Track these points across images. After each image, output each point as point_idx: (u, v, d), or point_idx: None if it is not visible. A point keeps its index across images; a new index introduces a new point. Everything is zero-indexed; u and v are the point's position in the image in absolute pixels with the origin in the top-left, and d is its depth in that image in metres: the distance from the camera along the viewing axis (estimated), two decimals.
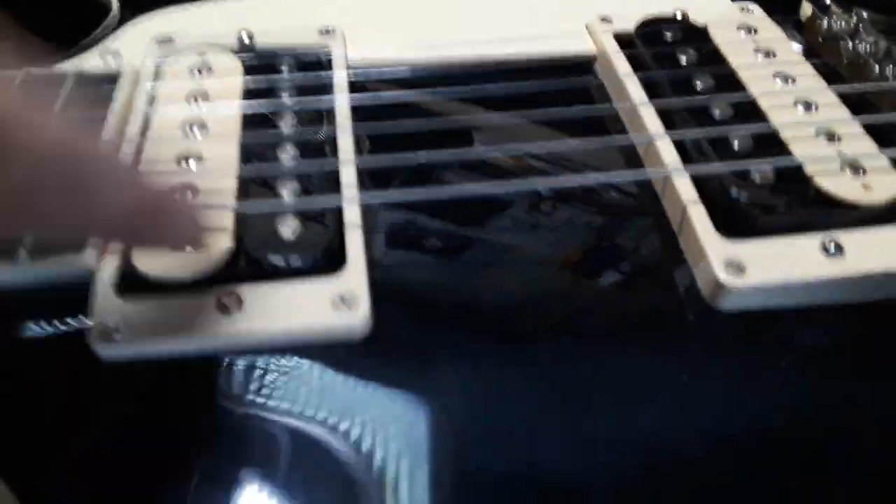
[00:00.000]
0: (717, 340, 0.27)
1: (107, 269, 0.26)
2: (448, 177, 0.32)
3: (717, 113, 0.32)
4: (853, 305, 0.28)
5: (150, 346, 0.25)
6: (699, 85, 0.33)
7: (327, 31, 0.37)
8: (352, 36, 0.37)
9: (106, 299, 0.25)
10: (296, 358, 0.25)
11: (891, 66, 0.34)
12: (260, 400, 0.24)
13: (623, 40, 0.37)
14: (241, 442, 0.24)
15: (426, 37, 0.37)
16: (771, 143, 0.31)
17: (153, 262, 0.26)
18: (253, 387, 0.25)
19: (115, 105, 0.32)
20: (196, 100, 0.32)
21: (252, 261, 0.26)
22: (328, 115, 0.32)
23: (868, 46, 0.36)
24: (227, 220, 0.27)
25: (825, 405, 0.26)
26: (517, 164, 0.32)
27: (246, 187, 0.29)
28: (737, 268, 0.27)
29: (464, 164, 0.32)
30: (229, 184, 0.28)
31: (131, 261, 0.26)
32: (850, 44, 0.36)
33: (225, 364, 0.25)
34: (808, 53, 0.37)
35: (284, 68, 0.34)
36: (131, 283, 0.26)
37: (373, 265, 0.27)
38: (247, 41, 0.36)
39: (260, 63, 0.35)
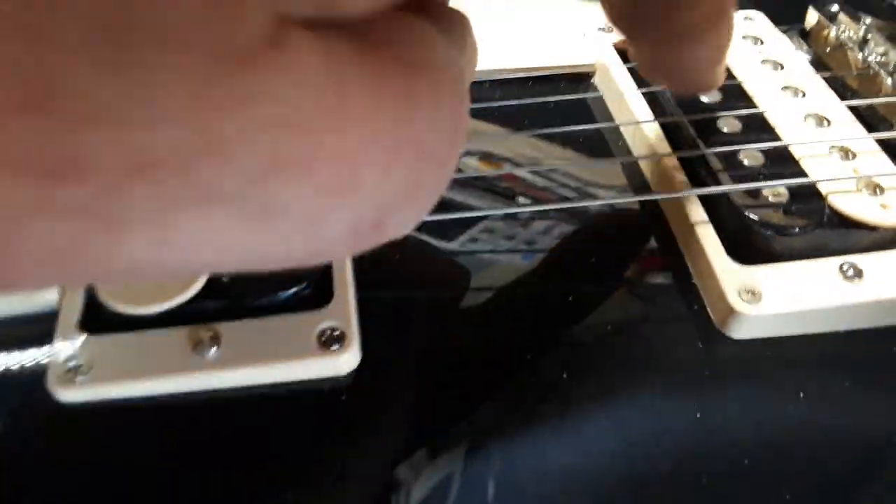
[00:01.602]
0: (729, 370, 0.25)
1: (71, 303, 0.24)
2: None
3: (724, 129, 0.30)
4: (871, 331, 0.26)
5: (116, 389, 0.22)
6: (705, 99, 0.32)
7: None
8: None
9: (68, 335, 0.23)
10: (277, 397, 0.23)
11: None
12: (238, 449, 0.22)
13: (623, 51, 0.35)
14: (216, 495, 0.21)
15: None
16: (782, 161, 0.29)
17: (120, 295, 0.24)
18: (231, 433, 0.22)
19: None
20: None
21: (230, 293, 0.24)
22: None
23: (878, 57, 0.34)
24: None
25: (844, 435, 0.25)
26: (513, 182, 0.31)
27: None
28: (752, 294, 0.25)
29: (459, 182, 0.30)
30: None
31: (96, 294, 0.24)
32: (860, 54, 0.35)
33: (198, 407, 0.23)
34: (815, 63, 0.35)
35: None
36: (97, 317, 0.24)
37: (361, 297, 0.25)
38: None
39: None
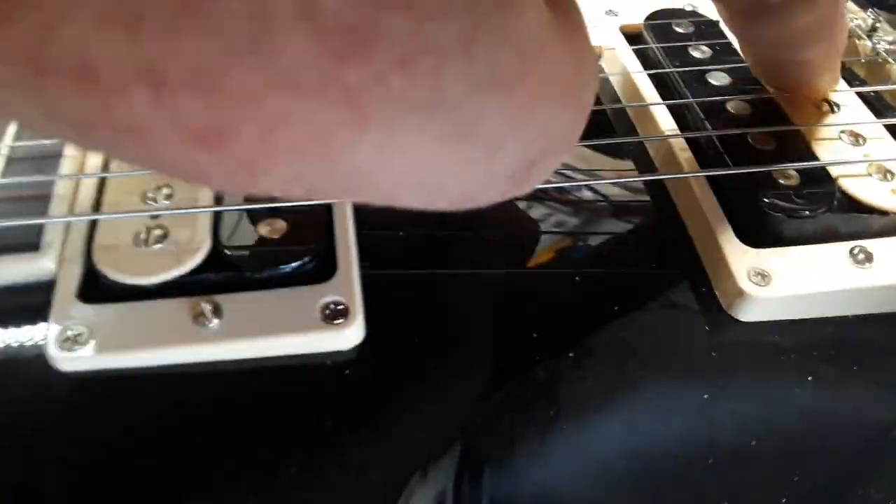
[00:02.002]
0: (738, 353, 0.25)
1: (69, 273, 0.23)
2: None
3: (733, 111, 0.30)
4: (881, 315, 0.26)
5: (115, 358, 0.22)
6: (714, 82, 0.31)
7: None
8: None
9: (67, 305, 0.23)
10: (279, 371, 0.23)
11: None
12: (237, 420, 0.22)
13: (630, 34, 0.35)
14: (218, 471, 0.21)
15: None
16: (793, 145, 0.29)
17: (120, 265, 0.23)
18: (230, 404, 0.22)
19: None
20: None
21: (231, 265, 0.24)
22: None
23: (887, 45, 0.34)
24: (204, 220, 0.25)
25: (853, 419, 0.24)
26: None
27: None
28: (761, 277, 0.25)
29: None
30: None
31: (95, 264, 0.23)
32: (869, 42, 0.34)
33: (199, 379, 0.22)
34: None
35: None
36: (96, 287, 0.23)
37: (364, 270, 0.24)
38: None
39: None
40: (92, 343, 0.22)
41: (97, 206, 0.25)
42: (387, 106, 0.10)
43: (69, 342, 0.22)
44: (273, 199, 0.25)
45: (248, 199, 0.25)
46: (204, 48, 0.09)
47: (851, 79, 0.33)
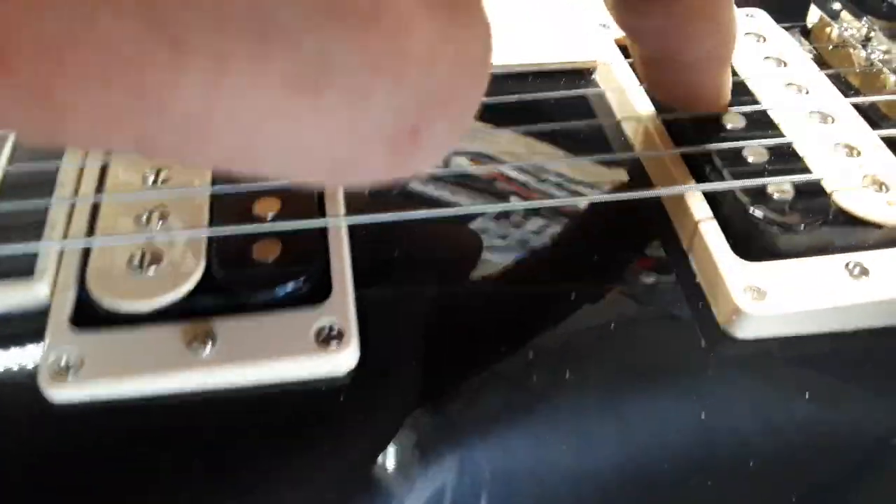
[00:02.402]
0: (734, 369, 0.25)
1: (63, 299, 0.23)
2: (439, 191, 0.29)
3: (727, 125, 0.30)
4: (878, 329, 0.26)
5: (108, 387, 0.22)
6: None
7: None
8: None
9: (60, 332, 0.23)
10: (274, 397, 0.23)
11: None
12: (232, 447, 0.22)
13: (624, 47, 0.35)
14: (214, 499, 0.21)
15: None
16: (787, 158, 0.29)
17: (113, 291, 0.23)
18: (226, 432, 0.22)
19: None
20: None
21: (224, 290, 0.24)
22: None
23: (881, 54, 0.34)
24: (198, 243, 0.24)
25: (851, 435, 0.24)
26: (506, 182, 0.30)
27: (218, 206, 0.26)
28: (757, 292, 0.25)
29: (457, 180, 0.30)
30: (200, 202, 0.26)
31: (88, 291, 0.23)
32: (863, 52, 0.34)
33: (193, 406, 0.22)
34: (817, 61, 0.35)
35: None
36: (90, 314, 0.23)
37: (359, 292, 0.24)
38: None
39: None
40: (84, 372, 0.22)
41: (91, 231, 0.25)
42: (199, 25, 0.09)
43: (62, 370, 0.22)
44: (268, 220, 0.25)
45: (242, 221, 0.25)
46: None
47: (846, 89, 0.33)
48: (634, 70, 0.33)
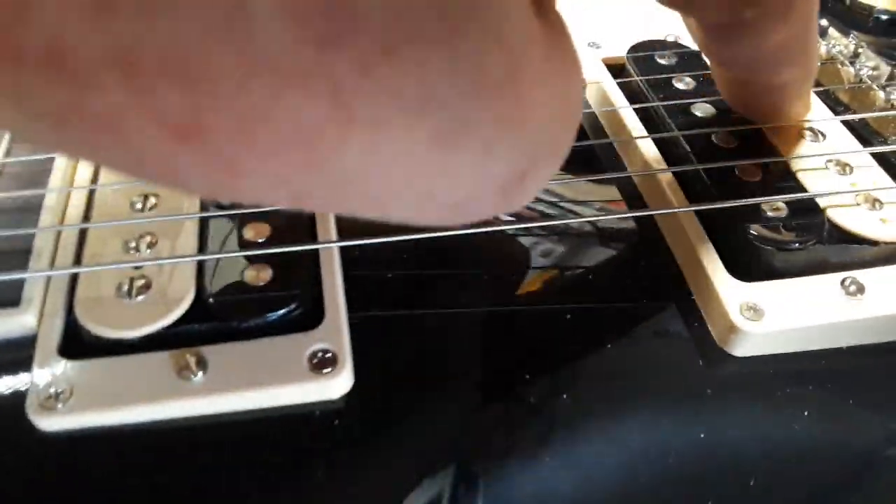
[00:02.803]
0: (732, 388, 0.25)
1: (50, 328, 0.23)
2: None
3: (719, 144, 0.30)
4: (874, 346, 0.26)
5: (98, 416, 0.21)
6: (699, 114, 0.31)
7: None
8: None
9: (48, 362, 0.22)
10: (267, 423, 0.22)
11: None
12: (224, 475, 0.21)
13: (613, 66, 0.35)
14: None
15: None
16: (780, 176, 0.28)
17: (102, 319, 0.23)
18: (219, 460, 0.21)
19: None
20: None
21: (215, 316, 0.23)
22: None
23: (870, 71, 0.34)
24: (188, 269, 0.24)
25: (849, 453, 0.24)
26: None
27: (208, 231, 0.26)
28: (753, 311, 0.25)
29: None
30: (189, 228, 0.25)
31: (77, 318, 0.23)
32: (851, 68, 0.34)
33: (185, 434, 0.22)
34: None
35: None
36: (78, 342, 0.23)
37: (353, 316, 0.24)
38: None
39: None
40: (73, 401, 0.21)
41: (78, 259, 0.25)
42: (373, 100, 0.10)
43: (50, 400, 0.21)
44: (259, 245, 0.25)
45: (232, 246, 0.25)
46: (178, 31, 0.09)
47: (836, 106, 0.33)
48: (623, 90, 0.33)
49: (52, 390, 0.21)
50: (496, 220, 0.29)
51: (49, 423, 0.21)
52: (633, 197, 0.30)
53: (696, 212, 0.27)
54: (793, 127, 0.31)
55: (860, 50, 0.35)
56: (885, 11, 0.40)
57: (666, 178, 0.29)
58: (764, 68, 0.26)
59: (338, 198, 0.12)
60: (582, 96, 0.15)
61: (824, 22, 0.37)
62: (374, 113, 0.10)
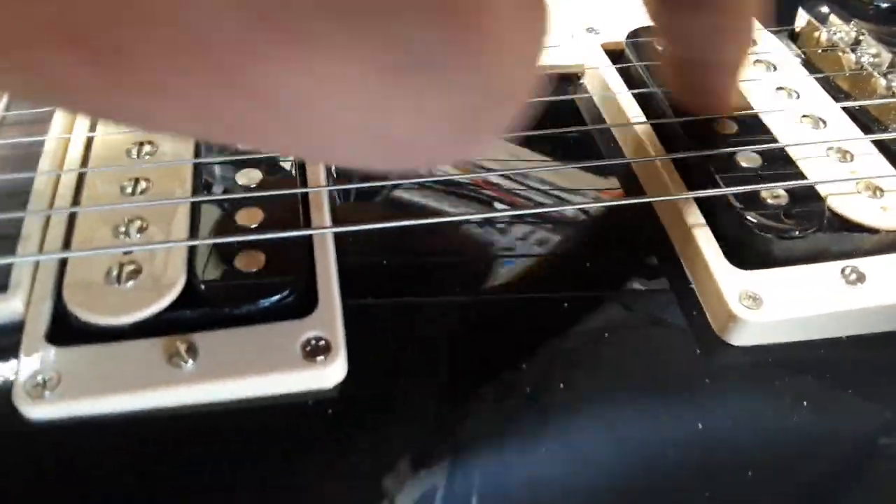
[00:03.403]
0: (731, 377, 0.24)
1: (38, 314, 0.22)
2: (427, 199, 0.29)
3: (719, 130, 0.29)
4: (875, 335, 0.25)
5: (87, 404, 0.21)
6: None
7: None
8: None
9: (36, 348, 0.22)
10: (259, 412, 0.22)
11: None
12: (216, 464, 0.21)
13: (612, 52, 0.34)
14: None
15: None
16: (780, 163, 0.28)
17: (90, 305, 0.22)
18: (210, 450, 0.21)
19: (52, 127, 0.28)
20: None
21: (206, 302, 0.23)
22: None
23: (870, 58, 0.34)
24: (179, 255, 0.24)
25: (849, 443, 0.24)
26: (492, 188, 0.30)
27: (200, 216, 0.25)
28: (753, 300, 0.24)
29: (445, 187, 0.29)
30: (181, 212, 0.25)
31: (65, 305, 0.22)
32: (852, 55, 0.34)
33: (175, 423, 0.21)
34: (806, 64, 0.35)
35: None
36: (67, 329, 0.22)
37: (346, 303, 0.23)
38: None
39: None
40: (61, 389, 0.21)
41: (67, 244, 0.24)
42: (306, 14, 0.10)
43: (38, 388, 0.21)
44: (252, 230, 0.25)
45: (224, 231, 0.25)
46: None
47: (836, 93, 0.33)
48: (622, 75, 0.33)
49: (39, 378, 0.21)
50: (488, 206, 0.29)
51: (36, 411, 0.21)
52: (631, 183, 0.30)
53: (696, 199, 0.27)
54: (792, 115, 0.30)
55: (861, 37, 0.34)
56: None
57: (665, 164, 0.28)
58: (710, 44, 0.26)
59: (279, 132, 0.11)
60: (542, 43, 0.14)
61: (825, 9, 0.37)
62: (307, 29, 0.10)
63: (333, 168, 0.28)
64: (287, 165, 0.27)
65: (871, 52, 0.34)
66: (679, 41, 0.27)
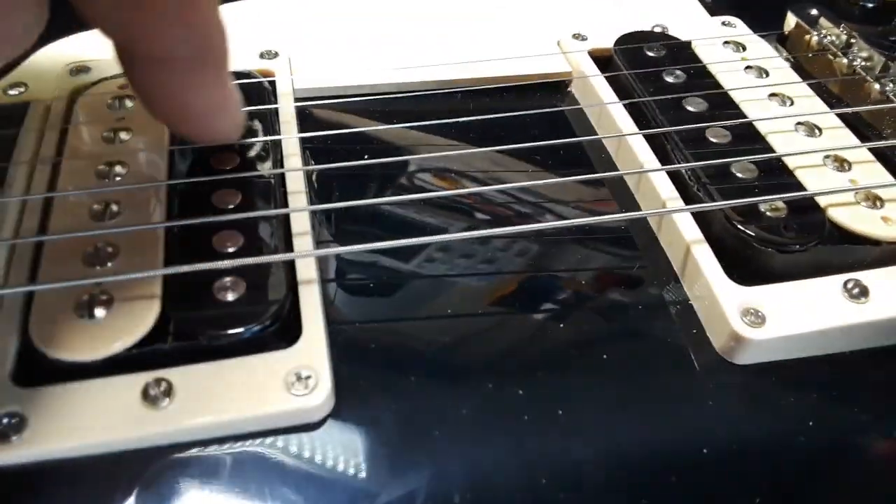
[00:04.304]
0: (735, 398, 0.23)
1: (2, 352, 0.21)
2: (414, 218, 0.27)
3: (713, 139, 0.28)
4: (879, 350, 0.24)
5: (56, 448, 0.20)
6: (691, 109, 0.30)
7: (270, 55, 0.32)
8: (299, 59, 0.33)
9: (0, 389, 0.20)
10: (242, 450, 0.21)
11: (892, 83, 0.31)
12: None
13: (600, 59, 0.33)
14: None
15: (383, 60, 0.33)
16: (777, 173, 0.27)
17: (58, 341, 0.21)
18: (190, 493, 0.20)
19: (20, 149, 0.27)
20: (116, 139, 0.27)
21: (183, 334, 0.22)
22: (274, 154, 0.27)
23: (862, 62, 0.33)
24: (154, 285, 0.22)
25: (859, 463, 0.23)
26: (490, 205, 0.28)
27: (176, 243, 0.24)
28: (755, 317, 0.23)
29: (432, 204, 0.28)
30: (156, 240, 0.24)
31: (31, 340, 0.21)
32: (844, 59, 0.33)
33: (152, 465, 0.20)
34: (796, 68, 0.34)
35: None
36: (32, 367, 0.21)
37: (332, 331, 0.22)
38: None
39: None
40: (28, 432, 0.19)
41: (33, 273, 0.23)
42: None
43: (4, 432, 0.19)
44: (231, 254, 0.23)
45: (201, 257, 0.23)
46: None
47: (829, 98, 0.32)
48: (611, 83, 0.32)
49: (4, 421, 0.20)
50: (480, 222, 0.28)
51: (2, 456, 0.19)
52: (624, 196, 0.29)
53: (691, 210, 0.26)
54: (787, 122, 0.29)
55: (852, 40, 0.34)
56: None
57: (659, 177, 0.27)
58: (128, 25, 0.20)
59: None
60: None
61: (814, 11, 0.36)
62: None
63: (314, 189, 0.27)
64: (266, 187, 0.26)
65: (863, 55, 0.33)
66: (96, 21, 0.20)
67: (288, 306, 0.23)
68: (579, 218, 0.28)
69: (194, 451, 0.20)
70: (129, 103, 0.29)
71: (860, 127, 0.31)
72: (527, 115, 0.31)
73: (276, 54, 0.32)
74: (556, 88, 0.34)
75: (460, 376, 0.23)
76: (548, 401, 0.23)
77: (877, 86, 0.32)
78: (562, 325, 0.25)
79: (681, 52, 0.33)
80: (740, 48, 0.34)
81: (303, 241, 0.24)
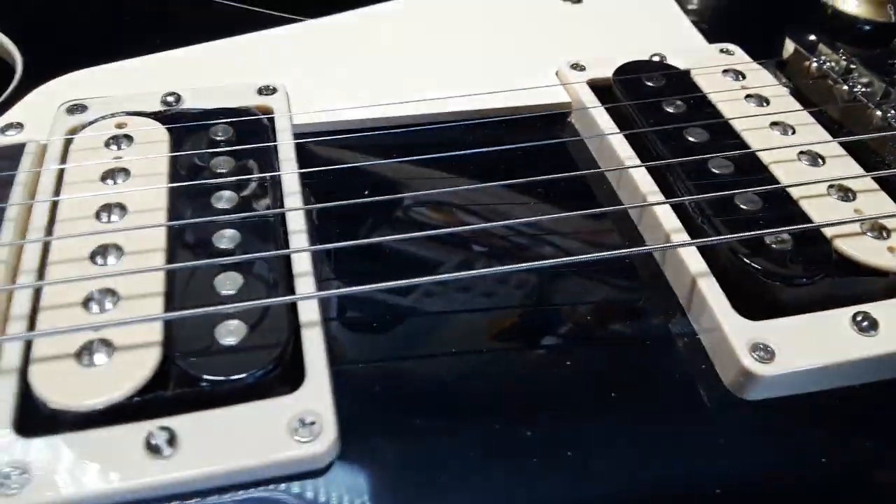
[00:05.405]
0: (746, 434, 0.23)
1: (1, 401, 0.21)
2: (416, 253, 0.27)
3: (715, 170, 0.28)
4: (890, 383, 0.24)
5: (57, 499, 0.19)
6: (692, 139, 0.30)
7: (269, 90, 0.32)
8: (297, 94, 0.32)
9: (1, 442, 0.20)
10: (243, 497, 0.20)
11: (893, 110, 0.31)
12: None
13: (599, 89, 0.33)
14: None
15: (381, 93, 0.33)
16: (781, 204, 0.27)
17: (59, 389, 0.20)
18: None
19: (16, 191, 0.27)
20: (114, 179, 0.27)
21: (185, 380, 0.21)
22: (273, 192, 0.27)
23: (863, 88, 0.33)
24: (154, 330, 0.22)
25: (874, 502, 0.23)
26: (492, 240, 0.28)
27: (176, 286, 0.24)
28: (764, 352, 0.23)
29: (434, 239, 0.28)
30: (156, 282, 0.23)
31: (31, 389, 0.20)
32: (844, 86, 0.33)
33: None
34: (795, 95, 0.34)
35: (219, 136, 0.29)
36: (32, 416, 0.21)
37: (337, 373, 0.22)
38: (173, 104, 0.31)
39: (190, 131, 0.30)
40: (28, 485, 0.19)
41: (32, 321, 0.23)
42: None
43: (6, 483, 0.19)
44: (232, 298, 0.23)
45: (203, 301, 0.23)
46: None
47: (830, 125, 0.32)
48: (611, 114, 0.32)
49: (8, 472, 0.19)
50: (483, 258, 0.27)
51: None
52: (627, 230, 0.29)
53: (698, 246, 0.26)
54: (789, 152, 0.29)
55: (852, 66, 0.34)
56: (868, 22, 0.39)
57: (663, 210, 0.27)
58: None
59: None
60: None
61: (812, 37, 0.36)
62: None
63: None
64: (267, 227, 0.26)
65: (864, 81, 0.33)
66: None
67: (290, 349, 0.22)
68: (583, 253, 0.28)
69: (198, 501, 0.20)
70: (126, 143, 0.29)
71: (863, 154, 0.31)
72: (527, 146, 0.30)
73: (273, 90, 0.32)
74: (555, 119, 0.33)
75: (467, 417, 0.23)
76: (556, 442, 0.22)
77: (878, 112, 0.32)
78: (568, 363, 0.24)
79: (680, 82, 0.33)
80: (740, 76, 0.34)
81: (305, 281, 0.24)
